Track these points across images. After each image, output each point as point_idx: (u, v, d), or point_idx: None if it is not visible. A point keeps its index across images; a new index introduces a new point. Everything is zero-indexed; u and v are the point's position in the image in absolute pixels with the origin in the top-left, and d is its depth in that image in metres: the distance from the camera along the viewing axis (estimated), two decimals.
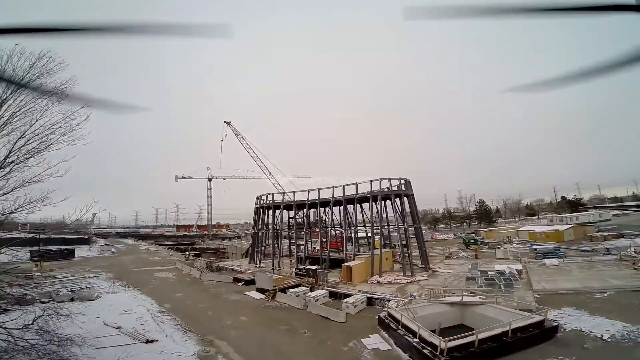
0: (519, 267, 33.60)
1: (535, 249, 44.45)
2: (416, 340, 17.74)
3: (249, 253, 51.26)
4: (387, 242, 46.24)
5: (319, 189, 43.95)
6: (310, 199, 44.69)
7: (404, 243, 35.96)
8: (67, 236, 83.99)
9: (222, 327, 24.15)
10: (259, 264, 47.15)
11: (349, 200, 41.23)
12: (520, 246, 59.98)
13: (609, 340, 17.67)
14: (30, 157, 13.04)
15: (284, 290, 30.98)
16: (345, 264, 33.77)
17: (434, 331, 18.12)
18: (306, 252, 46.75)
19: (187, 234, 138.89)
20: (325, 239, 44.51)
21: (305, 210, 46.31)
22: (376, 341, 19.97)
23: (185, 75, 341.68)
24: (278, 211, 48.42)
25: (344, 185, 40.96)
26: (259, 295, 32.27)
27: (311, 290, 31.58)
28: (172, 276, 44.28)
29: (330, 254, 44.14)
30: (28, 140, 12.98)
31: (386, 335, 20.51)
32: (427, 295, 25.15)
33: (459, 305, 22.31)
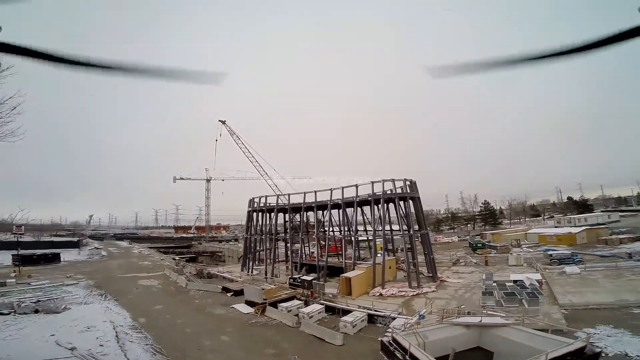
0: (538, 276, 30.06)
1: (550, 255, 40.92)
2: None
3: (242, 259, 47.72)
4: (390, 246, 42.74)
5: (315, 192, 40.33)
6: (306, 201, 41.08)
7: (408, 249, 32.40)
8: (55, 239, 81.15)
9: (199, 349, 20.78)
10: (252, 272, 43.67)
11: (349, 204, 37.68)
12: (531, 250, 56.53)
13: None
14: None
15: (275, 304, 27.55)
16: (344, 275, 30.17)
17: (447, 357, 14.83)
18: (303, 257, 43.30)
19: (185, 236, 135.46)
20: (323, 244, 41.04)
21: (301, 213, 42.69)
22: None
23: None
24: (273, 214, 44.95)
25: (342, 187, 37.24)
26: (247, 309, 28.84)
27: (306, 303, 28.14)
28: (157, 284, 40.87)
29: (329, 259, 40.74)
30: None
31: None
32: (438, 314, 21.64)
33: (476, 327, 18.88)
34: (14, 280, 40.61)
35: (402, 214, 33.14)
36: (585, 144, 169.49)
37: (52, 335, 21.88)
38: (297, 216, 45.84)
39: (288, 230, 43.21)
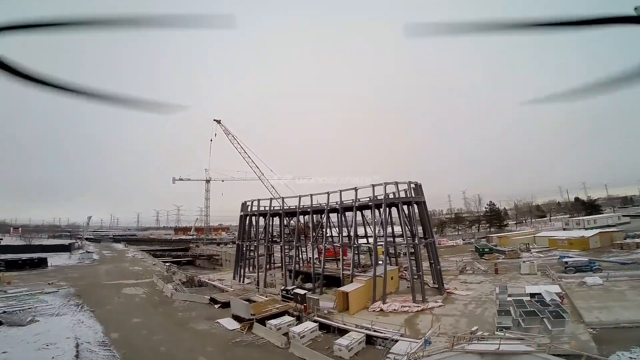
0: (557, 288, 26.97)
1: (566, 262, 37.67)
2: None
3: (234, 266, 44.76)
4: (392, 252, 39.63)
5: (311, 195, 37.22)
6: (302, 205, 37.98)
7: (412, 257, 29.35)
8: (45, 243, 78.59)
9: None
10: (243, 280, 40.72)
11: (348, 208, 34.66)
12: (542, 255, 53.34)
13: None
14: None
15: (263, 321, 24.67)
16: (341, 289, 27.02)
17: None
18: (300, 264, 40.40)
19: (183, 238, 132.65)
20: (320, 251, 38.01)
21: (296, 218, 39.53)
22: None
23: (185, 74, 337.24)
24: (267, 219, 41.98)
25: (340, 191, 34.01)
26: (233, 325, 26.00)
27: (298, 319, 25.25)
28: (141, 293, 38.13)
29: (327, 265, 37.76)
30: None
31: None
32: (447, 337, 18.65)
33: (493, 355, 15.94)
34: None
35: (405, 220, 30.01)
36: (585, 144, 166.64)
37: (5, 352, 19.30)
38: (294, 221, 42.85)
39: (282, 236, 40.15)
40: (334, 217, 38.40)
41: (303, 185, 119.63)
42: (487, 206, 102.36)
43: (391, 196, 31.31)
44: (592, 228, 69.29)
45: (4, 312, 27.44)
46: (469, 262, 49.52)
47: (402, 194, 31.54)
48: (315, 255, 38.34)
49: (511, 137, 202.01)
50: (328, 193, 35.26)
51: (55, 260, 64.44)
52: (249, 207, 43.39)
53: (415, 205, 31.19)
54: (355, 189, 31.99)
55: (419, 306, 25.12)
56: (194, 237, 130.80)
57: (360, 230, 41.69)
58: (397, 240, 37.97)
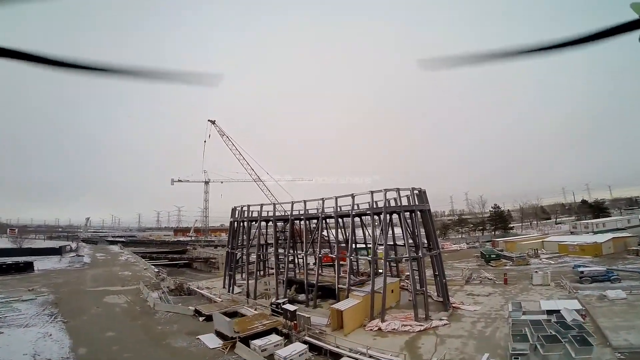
0: (576, 304, 24.14)
1: (581, 272, 34.74)
2: None
3: (224, 275, 41.99)
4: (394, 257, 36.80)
5: (305, 201, 34.41)
6: (294, 213, 35.22)
7: (415, 269, 26.54)
8: (35, 246, 76.36)
9: None
10: (233, 290, 37.94)
11: (345, 215, 31.92)
12: (552, 262, 50.39)
13: None
14: None
15: (246, 340, 22.03)
16: (335, 306, 24.15)
17: None
18: (295, 272, 37.65)
19: (181, 239, 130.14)
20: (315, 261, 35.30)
21: (290, 225, 36.69)
22: None
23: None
24: (259, 226, 39.21)
25: (336, 197, 31.05)
26: (215, 342, 23.41)
27: (288, 337, 22.61)
28: (123, 302, 35.58)
29: (323, 272, 35.11)
30: None
31: None
32: None
33: None
34: None
35: (407, 228, 27.09)
36: (586, 143, 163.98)
37: None
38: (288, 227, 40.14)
39: (276, 244, 37.39)
40: (332, 220, 35.79)
41: (303, 185, 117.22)
42: (491, 209, 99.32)
43: (392, 203, 28.50)
44: (601, 232, 66.32)
45: None
46: (475, 269, 46.69)
47: (404, 201, 28.78)
48: (312, 262, 35.74)
49: (511, 137, 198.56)
50: (323, 199, 32.48)
51: (44, 263, 62.04)
52: (238, 213, 40.69)
53: (419, 214, 28.35)
54: (352, 195, 28.97)
55: (421, 325, 22.32)
56: (193, 238, 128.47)
57: (360, 233, 38.97)
58: (399, 250, 35.28)
